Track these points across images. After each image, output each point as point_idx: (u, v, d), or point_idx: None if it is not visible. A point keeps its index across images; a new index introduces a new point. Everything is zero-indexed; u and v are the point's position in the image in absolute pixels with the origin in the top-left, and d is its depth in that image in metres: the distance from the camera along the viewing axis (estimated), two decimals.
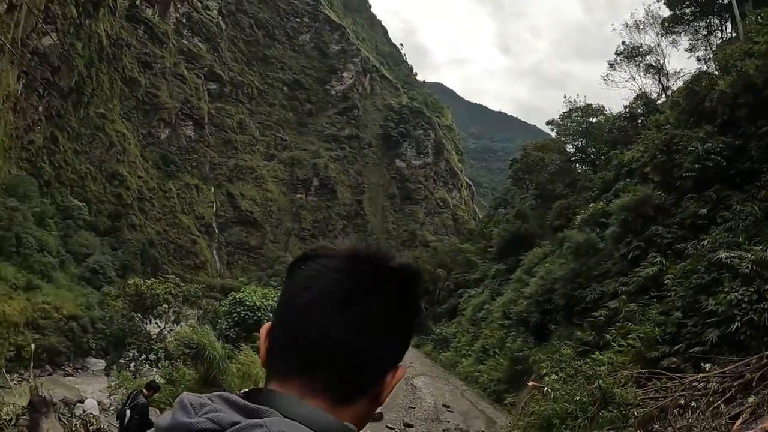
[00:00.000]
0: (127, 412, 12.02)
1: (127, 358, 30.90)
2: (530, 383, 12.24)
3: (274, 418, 1.04)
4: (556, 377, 11.77)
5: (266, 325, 1.26)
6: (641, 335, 16.73)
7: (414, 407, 26.82)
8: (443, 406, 27.77)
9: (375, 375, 1.19)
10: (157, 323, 33.24)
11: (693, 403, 9.31)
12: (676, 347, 15.57)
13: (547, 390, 10.51)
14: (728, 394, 9.39)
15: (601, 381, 10.14)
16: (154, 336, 31.91)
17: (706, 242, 18.15)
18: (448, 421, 24.23)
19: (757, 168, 19.14)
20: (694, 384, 10.47)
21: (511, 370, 28.47)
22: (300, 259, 1.27)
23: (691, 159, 21.36)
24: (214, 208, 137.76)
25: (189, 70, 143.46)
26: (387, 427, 21.56)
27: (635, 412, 9.39)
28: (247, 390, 1.21)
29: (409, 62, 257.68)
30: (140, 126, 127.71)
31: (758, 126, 19.22)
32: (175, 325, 32.08)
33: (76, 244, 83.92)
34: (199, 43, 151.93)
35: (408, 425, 22.52)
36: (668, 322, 16.80)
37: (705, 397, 9.35)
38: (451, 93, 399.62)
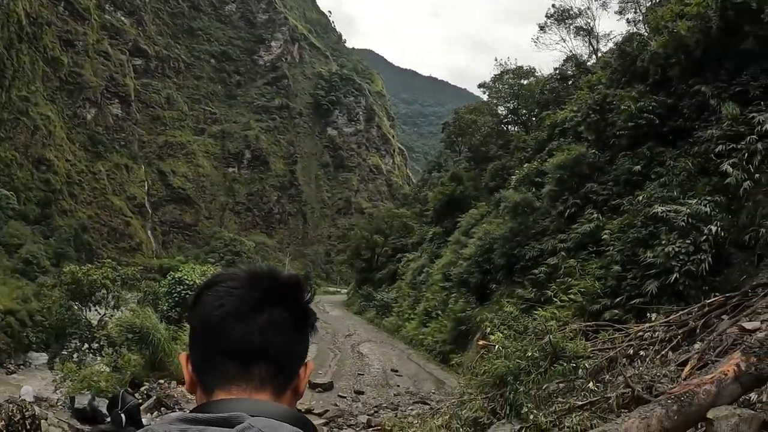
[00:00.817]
0: (122, 416, 11.29)
1: (70, 349, 29.74)
2: (480, 342, 12.30)
3: (251, 419, 1.18)
4: (504, 335, 11.84)
5: (183, 354, 1.42)
6: (582, 290, 17.10)
7: (363, 374, 26.87)
8: (392, 370, 27.93)
9: (295, 369, 1.39)
10: (97, 310, 32.05)
11: (641, 352, 9.52)
12: (617, 300, 16.00)
13: (498, 348, 10.54)
14: (674, 342, 9.63)
15: (551, 335, 10.24)
16: (95, 323, 30.82)
17: (641, 197, 18.54)
18: (398, 386, 24.36)
19: (689, 125, 19.57)
20: (640, 334, 10.71)
21: (456, 330, 28.78)
22: (203, 288, 1.41)
23: (624, 117, 21.68)
24: (146, 187, 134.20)
25: (113, 47, 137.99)
26: (339, 395, 21.50)
27: (586, 364, 9.54)
28: (195, 408, 1.32)
29: (337, 30, 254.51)
30: (65, 107, 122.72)
31: (690, 85, 19.61)
32: (115, 310, 30.98)
33: (7, 235, 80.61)
34: (123, 18, 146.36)
35: (359, 392, 22.51)
36: (608, 276, 17.21)
37: (652, 346, 9.56)
38: (381, 59, 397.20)
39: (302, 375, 1.41)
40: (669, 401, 5.52)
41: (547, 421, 8.30)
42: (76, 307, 32.17)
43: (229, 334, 1.31)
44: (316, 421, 16.12)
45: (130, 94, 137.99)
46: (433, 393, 21.82)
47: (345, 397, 21.27)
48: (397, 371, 27.75)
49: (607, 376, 9.32)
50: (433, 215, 54.11)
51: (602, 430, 5.30)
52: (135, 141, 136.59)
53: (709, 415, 5.47)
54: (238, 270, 1.44)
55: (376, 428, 14.73)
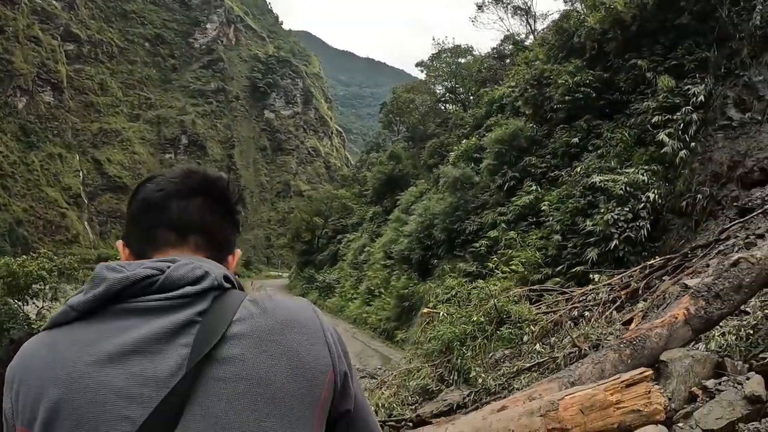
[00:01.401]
0: None
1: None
2: (425, 310, 12.15)
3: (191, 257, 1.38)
4: (449, 304, 11.76)
5: (119, 242, 1.53)
6: (523, 260, 17.17)
7: None
8: None
9: (225, 250, 1.51)
10: (35, 303, 30.69)
11: (586, 313, 9.53)
12: (558, 268, 16.15)
13: (443, 315, 10.41)
14: (617, 303, 9.67)
15: (495, 300, 10.15)
16: (34, 317, 29.52)
17: (579, 169, 18.75)
18: None
19: (625, 98, 19.81)
20: (583, 297, 10.74)
21: (399, 307, 28.79)
22: (144, 181, 1.51)
23: (561, 91, 21.81)
24: (81, 177, 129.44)
25: (44, 32, 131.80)
26: None
27: (532, 327, 9.49)
28: None
29: (274, 11, 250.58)
30: None
31: (626, 59, 19.83)
32: (54, 302, 29.71)
33: None
34: (54, 1, 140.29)
35: None
36: (548, 246, 17.35)
37: (597, 307, 9.58)
38: (318, 41, 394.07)
39: (231, 261, 1.54)
40: (622, 346, 5.49)
41: (495, 384, 8.22)
42: (12, 303, 30.81)
43: (169, 209, 1.42)
44: None
45: (63, 80, 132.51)
46: (380, 368, 21.70)
47: None
48: None
49: (553, 339, 9.29)
50: (373, 195, 53.96)
51: (556, 377, 5.16)
52: (68, 129, 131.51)
53: (663, 357, 5.47)
54: (175, 167, 1.56)
55: None
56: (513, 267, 17.14)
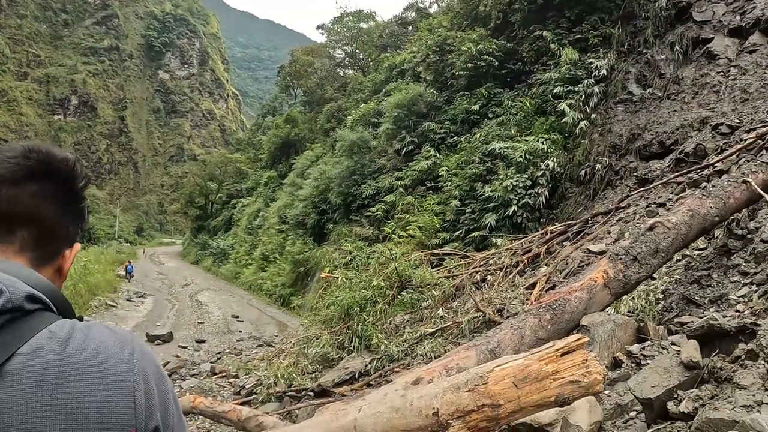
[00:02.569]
0: None
1: None
2: (323, 275, 11.58)
3: None
4: (347, 268, 11.26)
5: None
6: (421, 225, 16.87)
7: (203, 322, 25.83)
8: (232, 317, 27.09)
9: (61, 245, 1.32)
10: None
11: (489, 278, 9.25)
12: (456, 233, 15.94)
13: (341, 280, 9.85)
14: (519, 268, 9.44)
15: (396, 264, 9.69)
16: None
17: (479, 135, 18.60)
18: (240, 331, 23.54)
19: (528, 69, 19.84)
20: (485, 261, 10.48)
21: (294, 273, 28.28)
22: None
23: (463, 59, 21.59)
24: None
25: None
26: (179, 346, 20.18)
27: (434, 292, 9.11)
28: None
29: None
30: None
31: (530, 30, 19.78)
32: None
33: None
34: None
35: (200, 341, 21.33)
36: (446, 211, 17.12)
37: (499, 271, 9.32)
38: (217, 0, 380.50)
39: (68, 255, 1.36)
40: (541, 310, 5.12)
41: (398, 351, 7.78)
42: None
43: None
44: None
45: None
46: (276, 336, 21.18)
47: (186, 348, 20.06)
48: (237, 317, 26.93)
49: (456, 303, 8.96)
50: (268, 159, 52.91)
51: (473, 344, 4.72)
52: None
53: (584, 321, 5.18)
54: (16, 144, 1.37)
55: (220, 374, 13.78)
56: (410, 232, 16.81)
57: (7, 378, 1.03)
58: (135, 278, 43.10)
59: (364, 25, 50.19)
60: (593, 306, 5.31)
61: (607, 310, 5.59)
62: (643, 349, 4.70)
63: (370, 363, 8.03)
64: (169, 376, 14.19)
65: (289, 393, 8.80)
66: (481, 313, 7.59)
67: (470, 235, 15.31)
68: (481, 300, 7.97)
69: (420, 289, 9.40)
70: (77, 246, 1.39)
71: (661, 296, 6.33)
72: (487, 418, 3.40)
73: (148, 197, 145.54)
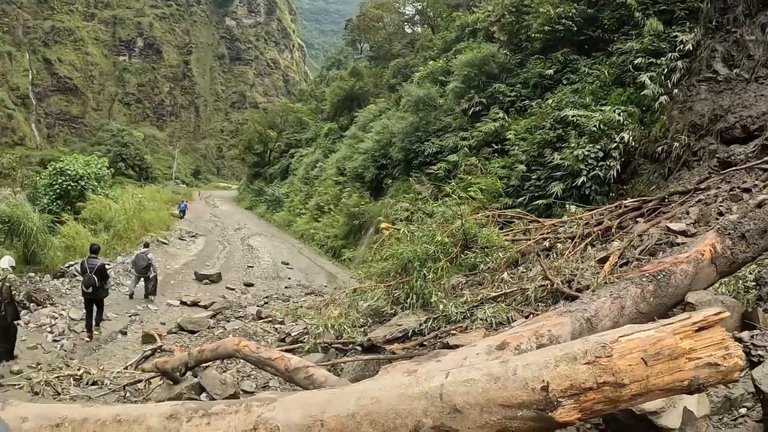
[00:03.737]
0: (95, 277, 13.40)
1: None
2: (383, 226, 11.34)
3: None
4: (407, 222, 11.04)
5: None
6: (483, 187, 16.51)
7: (252, 266, 25.91)
8: (282, 263, 27.06)
9: None
10: None
11: (559, 245, 8.91)
12: (520, 199, 15.57)
13: (403, 232, 9.59)
14: (588, 239, 9.09)
15: (463, 220, 9.40)
16: None
17: (551, 101, 18.05)
18: (289, 278, 23.54)
19: (607, 37, 19.08)
20: (553, 228, 10.14)
21: (348, 225, 28.17)
22: None
23: (541, 21, 20.91)
24: (30, 77, 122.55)
25: None
26: (227, 288, 20.38)
27: (500, 254, 8.81)
28: None
29: None
30: None
31: None
32: None
33: None
34: None
35: (248, 284, 21.46)
36: (512, 175, 16.72)
37: (569, 240, 8.98)
38: None
39: None
40: (644, 280, 4.70)
41: (457, 312, 7.49)
42: None
43: None
44: (203, 314, 15.12)
45: None
46: (325, 286, 21.10)
47: (233, 289, 20.18)
48: (287, 264, 26.89)
49: (521, 269, 8.68)
50: (330, 111, 52.70)
51: (566, 310, 4.39)
52: (19, 26, 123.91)
53: (690, 298, 4.73)
54: None
55: (266, 319, 13.75)
56: (471, 193, 16.43)
57: None
58: (188, 218, 43.81)
59: None
60: (698, 282, 4.91)
61: (708, 289, 5.19)
62: (753, 337, 4.32)
63: (425, 322, 7.74)
64: (213, 317, 14.45)
65: (335, 345, 8.62)
66: (548, 282, 7.28)
67: (534, 203, 14.91)
68: (549, 268, 7.67)
69: (485, 250, 9.11)
70: None
71: (752, 284, 5.92)
72: (606, 399, 2.84)
73: (207, 141, 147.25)
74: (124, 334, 13.94)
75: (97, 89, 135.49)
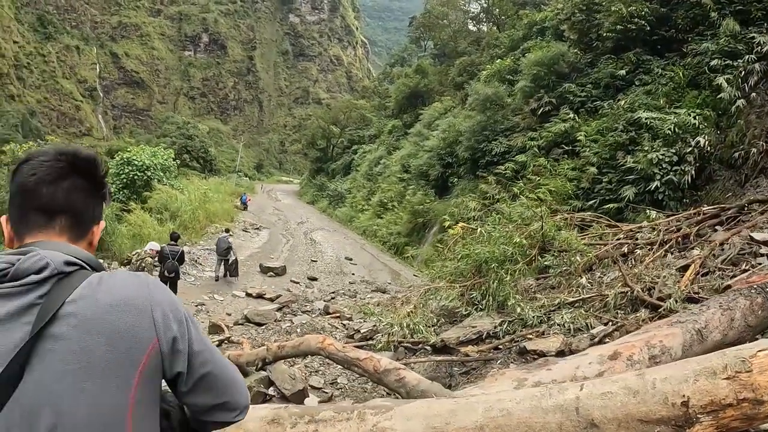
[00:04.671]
0: (176, 264, 14.96)
1: None
2: (459, 225, 11.50)
3: (40, 250, 1.51)
4: (486, 221, 11.13)
5: (3, 216, 1.68)
6: (552, 189, 16.41)
7: (316, 261, 26.20)
8: (345, 258, 27.31)
9: (90, 225, 1.69)
10: None
11: (638, 251, 8.93)
12: (591, 202, 15.45)
13: (480, 232, 9.74)
14: (666, 246, 9.08)
15: (543, 222, 9.48)
16: None
17: (623, 102, 17.81)
18: (353, 274, 23.73)
19: (681, 37, 18.72)
20: (631, 234, 10.13)
21: (412, 223, 28.24)
22: (20, 163, 1.65)
23: (612, 20, 20.64)
24: (98, 70, 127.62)
25: None
26: (292, 281, 20.74)
27: (578, 258, 8.86)
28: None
29: None
30: None
31: None
32: None
33: None
34: None
35: (312, 278, 21.72)
36: (581, 178, 16.60)
37: (649, 246, 8.98)
38: None
39: (96, 231, 1.73)
40: (752, 291, 4.73)
41: (534, 316, 7.46)
42: None
43: (40, 195, 1.58)
44: (269, 306, 15.33)
45: None
46: (389, 284, 21.21)
47: (298, 283, 20.42)
48: (351, 260, 27.12)
49: (598, 274, 8.73)
50: (394, 107, 52.85)
51: (677, 321, 4.47)
52: (87, 21, 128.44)
53: None
54: (49, 148, 1.68)
55: (334, 315, 13.98)
56: (540, 195, 16.39)
57: (62, 319, 1.41)
58: (251, 211, 44.66)
59: None
60: None
61: None
62: None
63: (499, 325, 7.78)
64: (279, 310, 14.79)
65: (405, 344, 8.58)
66: (628, 289, 7.33)
67: (605, 206, 14.79)
68: (628, 275, 7.73)
69: (563, 253, 9.18)
70: (102, 223, 1.75)
71: None
72: (743, 416, 2.74)
73: (270, 136, 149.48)
74: None
75: (162, 83, 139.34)
